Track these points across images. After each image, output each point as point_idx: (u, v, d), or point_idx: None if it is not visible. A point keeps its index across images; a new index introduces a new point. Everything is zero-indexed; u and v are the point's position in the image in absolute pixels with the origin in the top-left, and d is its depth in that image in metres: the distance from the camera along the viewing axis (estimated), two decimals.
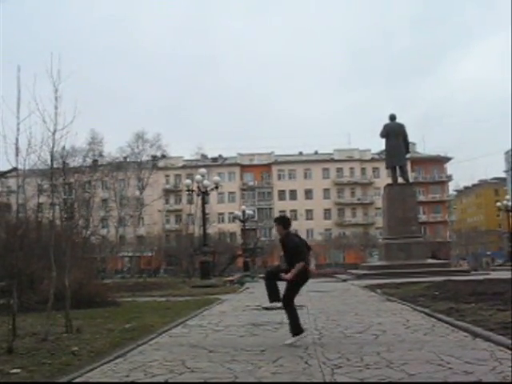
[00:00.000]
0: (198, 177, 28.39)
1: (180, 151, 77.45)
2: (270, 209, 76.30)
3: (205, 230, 29.53)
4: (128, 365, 5.84)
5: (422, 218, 63.91)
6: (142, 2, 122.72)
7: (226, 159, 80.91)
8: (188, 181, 31.51)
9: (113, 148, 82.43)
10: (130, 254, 60.71)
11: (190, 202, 51.04)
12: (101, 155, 60.89)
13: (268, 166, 78.48)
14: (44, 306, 8.48)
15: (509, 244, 45.68)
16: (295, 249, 6.86)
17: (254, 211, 61.85)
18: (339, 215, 76.96)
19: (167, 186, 76.54)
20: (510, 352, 5.53)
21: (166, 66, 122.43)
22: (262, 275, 19.76)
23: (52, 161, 9.05)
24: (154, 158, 68.05)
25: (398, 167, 30.22)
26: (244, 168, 78.93)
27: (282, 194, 77.49)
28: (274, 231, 70.69)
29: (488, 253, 73.87)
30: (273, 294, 7.01)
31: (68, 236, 13.38)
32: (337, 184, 77.56)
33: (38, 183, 41.91)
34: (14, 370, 5.52)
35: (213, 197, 54.26)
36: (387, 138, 30.06)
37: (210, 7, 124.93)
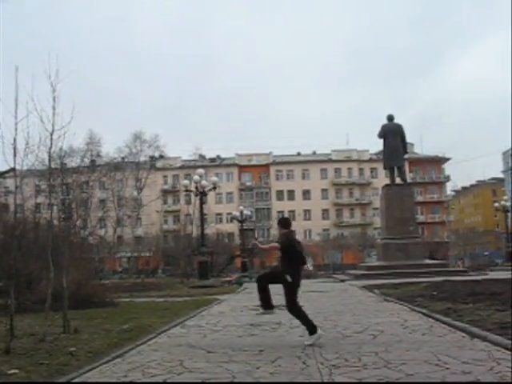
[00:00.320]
0: (196, 177, 28.41)
1: (178, 151, 77.83)
2: (268, 209, 76.31)
3: (203, 230, 29.52)
4: (126, 365, 5.84)
5: (420, 218, 63.97)
6: (140, 2, 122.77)
7: (223, 159, 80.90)
8: (186, 181, 31.53)
9: (111, 148, 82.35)
10: (127, 255, 60.68)
11: (188, 202, 51.11)
12: (99, 155, 60.85)
13: (266, 166, 78.48)
14: (42, 306, 8.47)
15: (507, 244, 45.75)
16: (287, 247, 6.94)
17: (252, 211, 61.90)
18: (337, 215, 77.01)
19: (165, 187, 76.49)
20: (507, 352, 5.54)
21: (164, 66, 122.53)
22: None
23: (50, 161, 9.05)
24: (152, 158, 68.03)
25: (395, 168, 30.23)
26: (242, 168, 78.91)
27: (280, 194, 77.50)
28: (273, 231, 71.05)
29: (486, 253, 73.95)
30: (265, 302, 6.99)
31: (66, 236, 13.35)
32: (335, 184, 77.60)
33: (35, 183, 41.82)
34: (12, 371, 5.52)
35: (211, 197, 54.24)
36: (385, 138, 30.07)
37: (208, 7, 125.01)
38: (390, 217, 29.16)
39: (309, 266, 57.36)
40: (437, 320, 8.56)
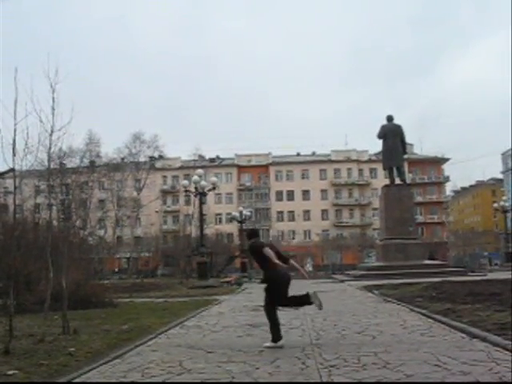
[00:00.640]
0: (196, 177, 28.39)
1: (177, 152, 77.54)
2: (268, 209, 76.34)
3: (202, 230, 29.52)
4: (125, 366, 5.84)
5: (419, 218, 63.96)
6: (140, 2, 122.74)
7: (223, 160, 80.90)
8: (185, 181, 31.53)
9: (110, 149, 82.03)
10: (127, 255, 60.64)
11: (188, 202, 51.13)
12: (98, 156, 60.85)
13: (265, 166, 78.48)
14: (41, 306, 8.48)
15: (506, 245, 45.77)
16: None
17: (251, 212, 61.91)
18: (336, 216, 77.01)
19: (164, 187, 76.47)
20: (506, 353, 5.54)
21: (164, 66, 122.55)
22: (259, 277, 19.75)
23: (49, 161, 9.08)
24: (152, 158, 68.01)
25: (395, 168, 30.28)
26: (241, 169, 78.90)
27: (279, 194, 77.51)
28: (272, 232, 71.04)
29: (485, 253, 73.98)
30: (276, 331, 6.84)
31: (65, 237, 13.34)
32: (334, 185, 77.60)
33: (35, 184, 41.85)
34: (11, 372, 5.51)
35: (210, 197, 54.22)
36: (384, 138, 30.10)
37: (208, 7, 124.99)
38: (389, 217, 29.19)
39: (308, 266, 57.53)
40: (436, 320, 8.56)
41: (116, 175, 61.99)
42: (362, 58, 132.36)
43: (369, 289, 17.09)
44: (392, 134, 29.71)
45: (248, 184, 77.93)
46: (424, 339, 6.89)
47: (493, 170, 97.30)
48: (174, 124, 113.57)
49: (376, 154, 67.86)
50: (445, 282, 16.85)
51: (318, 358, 5.80)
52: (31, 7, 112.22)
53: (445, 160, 78.73)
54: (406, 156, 33.60)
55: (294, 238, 74.12)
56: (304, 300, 7.11)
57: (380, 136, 30.37)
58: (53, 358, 6.21)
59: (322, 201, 77.07)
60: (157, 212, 71.18)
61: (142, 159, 64.81)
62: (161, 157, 70.56)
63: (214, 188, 29.77)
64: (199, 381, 4.95)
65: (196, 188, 28.17)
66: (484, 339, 6.41)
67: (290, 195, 77.45)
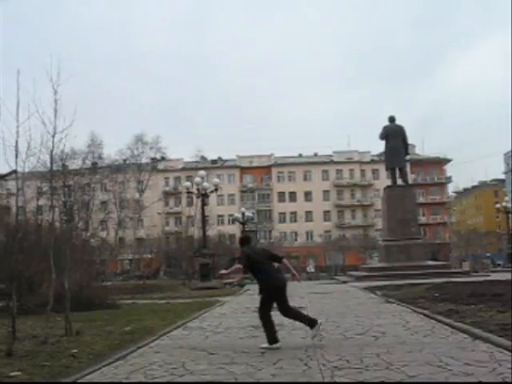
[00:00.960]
0: (198, 179, 28.40)
1: (179, 153, 77.56)
2: (270, 211, 76.33)
3: (204, 232, 29.53)
4: (128, 367, 5.85)
5: (422, 219, 63.84)
6: (141, 4, 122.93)
7: (225, 161, 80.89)
8: (187, 183, 31.49)
9: (112, 150, 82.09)
10: (129, 257, 60.67)
11: (190, 204, 51.07)
12: (100, 157, 60.98)
13: (267, 167, 78.46)
14: (43, 308, 8.48)
15: (508, 245, 45.65)
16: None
17: (253, 213, 61.87)
18: (339, 217, 76.94)
19: (167, 189, 76.49)
20: (509, 353, 5.53)
21: (165, 68, 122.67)
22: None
23: (51, 163, 9.07)
24: (154, 160, 68.11)
25: (397, 169, 30.25)
26: (243, 170, 78.90)
27: (281, 195, 77.49)
28: (274, 233, 70.93)
29: (487, 254, 73.83)
30: (270, 334, 6.89)
31: (67, 238, 13.37)
32: (336, 186, 77.54)
33: (37, 186, 41.85)
34: (14, 373, 5.52)
35: (212, 199, 54.15)
36: (387, 139, 30.09)
37: (209, 8, 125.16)
38: (391, 218, 29.16)
39: (310, 267, 57.46)
40: (439, 321, 8.55)
41: (118, 177, 62.08)
42: (364, 58, 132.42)
43: (371, 290, 17.07)
44: (394, 135, 29.70)
45: (250, 185, 77.93)
46: (427, 340, 6.88)
47: (495, 170, 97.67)
48: (176, 125, 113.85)
49: (378, 155, 67.80)
50: (447, 283, 16.84)
51: (321, 359, 5.80)
52: (32, 9, 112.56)
53: (447, 161, 78.66)
54: (408, 157, 33.55)
55: (296, 239, 74.10)
56: (310, 322, 6.99)
57: (382, 137, 30.35)
58: (55, 360, 6.22)
59: (324, 202, 77.01)
60: (159, 213, 71.20)
61: (144, 161, 64.96)
62: (163, 158, 70.64)
63: (216, 189, 29.75)
64: (202, 382, 4.95)
65: (198, 189, 28.18)
66: (487, 340, 6.40)
67: (292, 196, 77.41)
